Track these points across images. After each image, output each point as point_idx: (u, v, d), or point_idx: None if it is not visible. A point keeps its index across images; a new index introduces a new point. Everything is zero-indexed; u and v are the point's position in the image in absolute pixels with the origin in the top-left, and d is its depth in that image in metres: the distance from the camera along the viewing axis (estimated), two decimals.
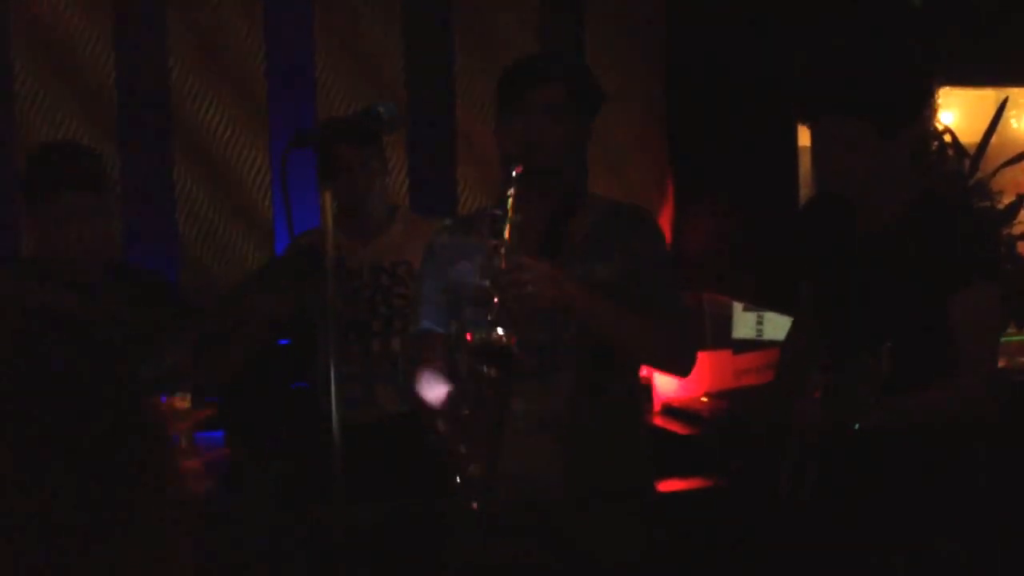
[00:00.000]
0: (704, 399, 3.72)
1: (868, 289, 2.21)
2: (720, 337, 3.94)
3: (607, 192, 4.08)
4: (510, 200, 2.08)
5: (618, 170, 4.11)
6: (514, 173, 2.10)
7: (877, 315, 2.19)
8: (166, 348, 2.61)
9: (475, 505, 2.04)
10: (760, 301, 3.97)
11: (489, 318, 2.03)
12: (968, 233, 2.18)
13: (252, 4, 3.74)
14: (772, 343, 3.87)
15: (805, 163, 3.74)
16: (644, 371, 3.90)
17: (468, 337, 2.02)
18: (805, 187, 3.92)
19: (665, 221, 4.17)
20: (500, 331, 2.01)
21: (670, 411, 3.71)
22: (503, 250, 2.06)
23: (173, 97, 3.68)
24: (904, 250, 2.18)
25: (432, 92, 3.93)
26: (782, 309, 3.89)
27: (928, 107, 2.24)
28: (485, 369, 2.00)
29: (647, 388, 3.81)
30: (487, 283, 2.06)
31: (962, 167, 3.80)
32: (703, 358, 3.83)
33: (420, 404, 2.20)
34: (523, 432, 2.15)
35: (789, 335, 2.56)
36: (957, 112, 4.20)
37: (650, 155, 4.17)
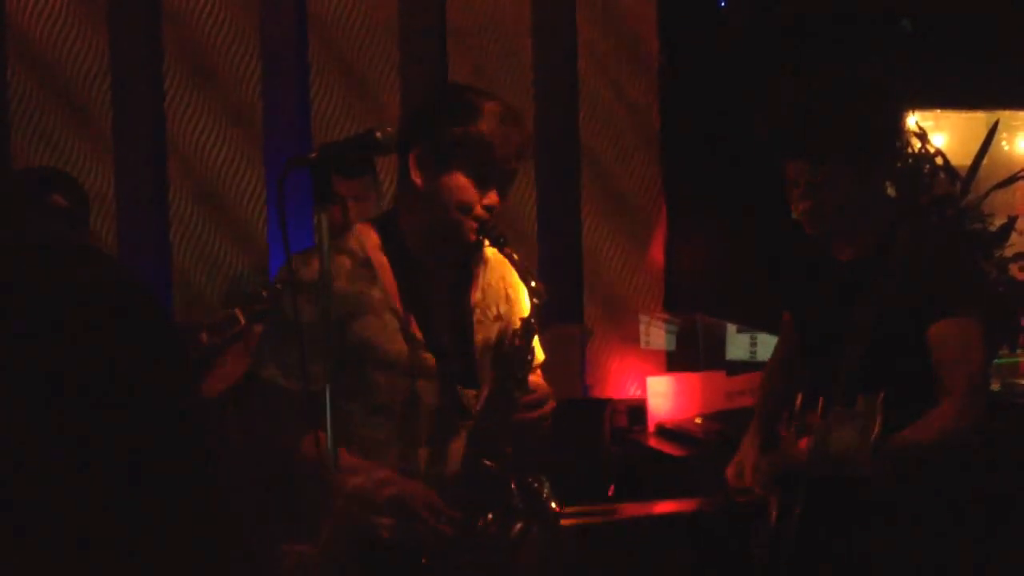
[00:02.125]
0: (698, 420, 3.72)
1: (849, 318, 2.21)
2: (713, 358, 3.95)
3: (601, 213, 4.13)
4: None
5: (612, 192, 4.12)
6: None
7: (860, 349, 2.17)
8: None
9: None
10: (753, 322, 3.98)
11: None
12: (948, 261, 2.18)
13: (247, 25, 3.75)
14: (766, 364, 3.88)
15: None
16: (639, 392, 3.93)
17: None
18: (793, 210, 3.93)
19: (658, 242, 4.18)
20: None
21: (663, 432, 3.72)
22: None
23: (168, 117, 3.69)
24: (882, 278, 2.17)
25: None
26: (775, 331, 3.90)
27: (902, 135, 2.25)
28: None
29: (640, 409, 3.81)
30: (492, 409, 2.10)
31: (953, 190, 3.82)
32: (696, 379, 3.84)
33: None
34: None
35: (773, 357, 2.58)
36: (948, 135, 4.23)
37: (643, 176, 4.19)
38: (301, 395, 1.97)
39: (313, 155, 2.00)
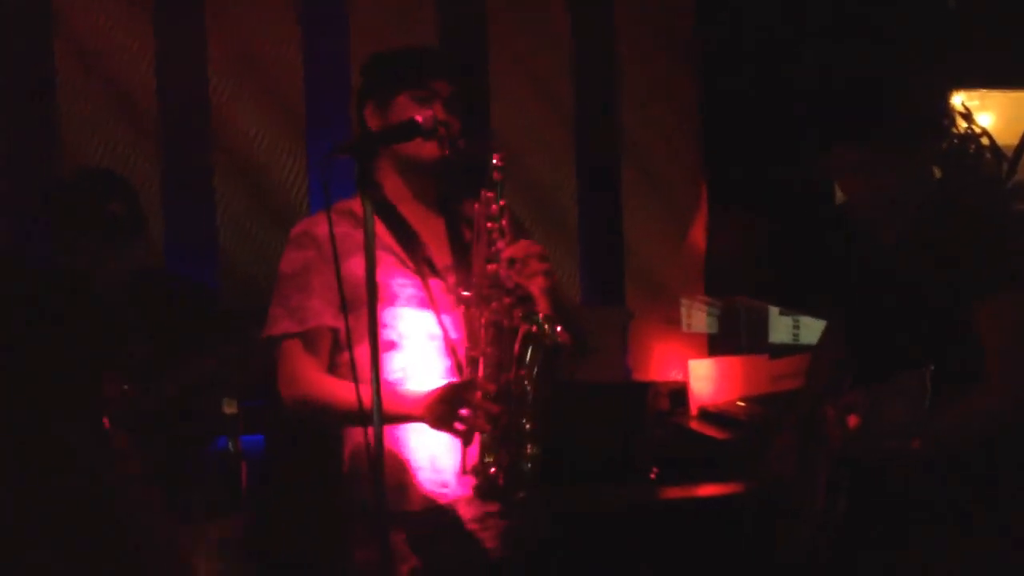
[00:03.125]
0: (740, 403, 3.72)
1: (893, 301, 2.19)
2: (756, 341, 3.94)
3: (641, 197, 4.13)
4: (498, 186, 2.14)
5: (652, 175, 4.12)
6: (494, 161, 2.15)
7: (903, 328, 2.16)
8: (195, 358, 2.67)
9: (521, 495, 2.06)
10: (796, 305, 3.96)
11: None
12: (992, 239, 2.15)
13: (290, 14, 3.78)
14: (809, 347, 3.85)
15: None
16: (680, 375, 3.93)
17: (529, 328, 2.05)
18: (840, 192, 3.90)
19: (699, 225, 4.17)
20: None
21: (706, 415, 3.71)
22: (499, 236, 2.12)
23: (213, 106, 3.73)
24: (926, 259, 2.16)
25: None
26: (818, 313, 3.88)
27: (946, 116, 2.23)
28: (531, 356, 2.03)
29: (682, 392, 3.81)
30: (490, 268, 2.11)
31: (1000, 170, 3.77)
32: (738, 362, 3.83)
33: (318, 406, 2.22)
34: None
35: (820, 341, 2.56)
36: (995, 115, 4.17)
37: (684, 160, 4.18)
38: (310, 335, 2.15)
39: (356, 141, 2.03)
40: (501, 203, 2.14)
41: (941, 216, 2.17)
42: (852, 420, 2.08)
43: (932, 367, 1.94)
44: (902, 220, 2.21)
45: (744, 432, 3.51)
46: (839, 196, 3.86)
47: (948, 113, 2.26)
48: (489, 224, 2.14)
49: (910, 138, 2.14)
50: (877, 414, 2.00)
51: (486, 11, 3.93)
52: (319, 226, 2.21)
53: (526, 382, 2.05)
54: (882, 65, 2.24)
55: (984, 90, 3.93)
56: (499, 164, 2.15)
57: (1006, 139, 3.85)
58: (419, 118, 2.07)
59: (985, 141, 3.79)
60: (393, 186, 2.28)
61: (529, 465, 2.06)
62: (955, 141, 3.63)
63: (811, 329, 3.91)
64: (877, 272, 2.25)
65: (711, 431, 3.59)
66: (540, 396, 2.06)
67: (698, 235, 4.16)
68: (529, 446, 2.06)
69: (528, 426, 2.05)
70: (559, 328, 2.06)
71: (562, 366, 2.12)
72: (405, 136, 2.11)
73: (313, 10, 3.81)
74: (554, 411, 2.12)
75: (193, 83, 3.73)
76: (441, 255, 2.27)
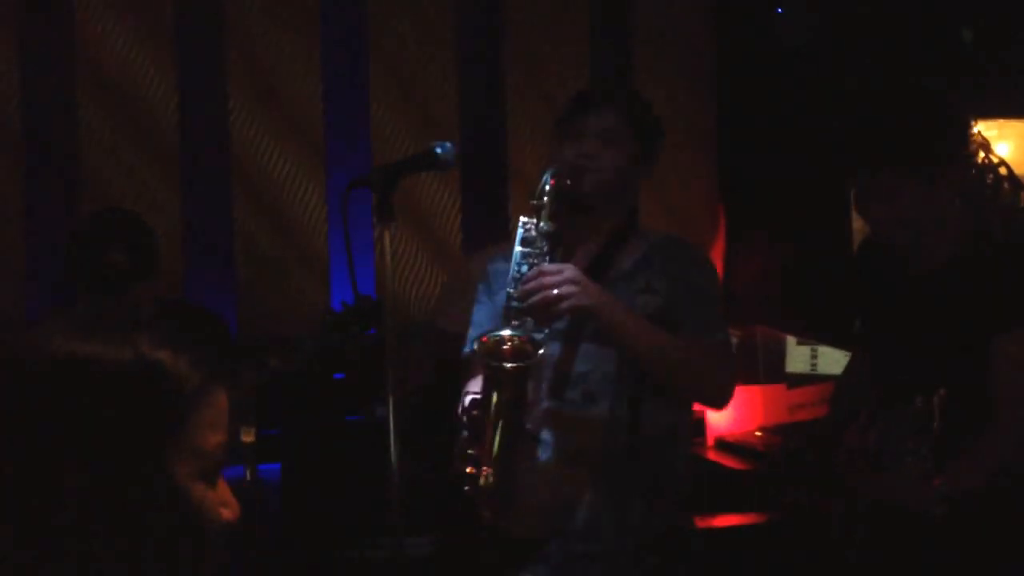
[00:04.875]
0: (758, 433, 3.70)
1: (918, 333, 2.18)
2: (773, 371, 3.92)
3: (657, 224, 4.12)
4: (543, 210, 2.11)
5: (669, 202, 4.12)
6: (547, 186, 2.13)
7: (927, 360, 2.15)
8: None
9: (487, 515, 2.04)
10: (814, 335, 3.95)
11: (513, 322, 2.05)
12: (1015, 273, 2.15)
13: (309, 47, 3.82)
14: (827, 377, 3.84)
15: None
16: (696, 406, 3.91)
17: (484, 339, 2.04)
18: (858, 219, 3.90)
19: (716, 254, 4.17)
20: (509, 332, 2.03)
21: (723, 445, 3.70)
22: (530, 257, 2.10)
23: (233, 137, 3.77)
24: (954, 291, 2.15)
25: (484, 131, 3.98)
26: (836, 343, 3.87)
27: (969, 145, 2.23)
28: (497, 369, 2.01)
29: (699, 422, 3.80)
30: (511, 289, 2.07)
31: (1018, 200, 3.76)
32: (756, 392, 3.81)
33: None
34: (555, 463, 2.15)
35: (846, 371, 2.55)
36: (1013, 144, 4.16)
37: (701, 187, 4.18)
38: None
39: (374, 174, 2.05)
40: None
41: (970, 249, 2.17)
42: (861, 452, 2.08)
43: (943, 393, 1.94)
44: (933, 251, 2.20)
45: (762, 463, 3.50)
46: (856, 224, 3.87)
47: (968, 143, 2.26)
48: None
49: (928, 168, 2.14)
50: (886, 440, 2.00)
51: (500, 36, 3.96)
52: None
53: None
54: (901, 94, 2.25)
55: (1001, 120, 3.93)
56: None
57: (1023, 169, 3.83)
58: (438, 151, 2.08)
59: (1003, 171, 3.77)
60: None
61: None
62: (972, 172, 3.62)
63: (829, 359, 3.89)
64: (904, 302, 2.24)
65: (729, 461, 3.57)
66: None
67: (715, 264, 4.15)
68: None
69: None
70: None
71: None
72: (421, 167, 2.13)
73: (332, 43, 3.85)
74: None
75: (214, 115, 3.77)
76: None
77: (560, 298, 2.04)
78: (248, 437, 3.19)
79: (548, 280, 2.05)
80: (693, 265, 2.26)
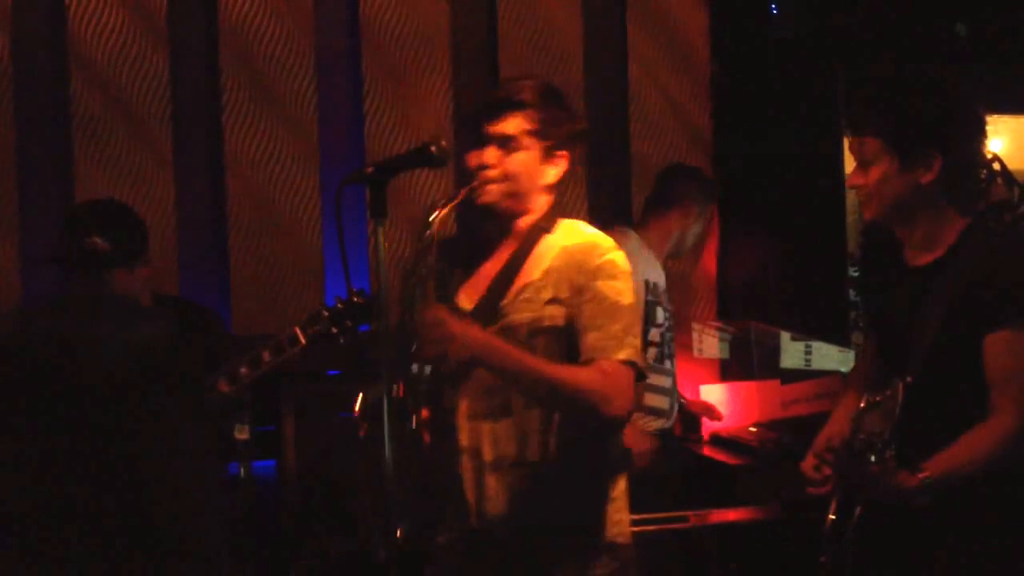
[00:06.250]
0: (752, 429, 3.71)
1: (910, 324, 2.20)
2: (767, 367, 3.93)
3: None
4: (429, 246, 2.12)
5: None
6: (433, 219, 2.12)
7: (916, 350, 2.16)
8: (208, 384, 2.66)
9: (381, 555, 2.04)
10: (807, 330, 3.96)
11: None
12: (1008, 270, 2.16)
13: (303, 41, 3.82)
14: (820, 372, 3.86)
15: (852, 192, 3.74)
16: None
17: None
18: (852, 215, 3.91)
19: (711, 250, 4.18)
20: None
21: (718, 441, 3.71)
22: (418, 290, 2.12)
23: (226, 131, 3.77)
24: (946, 284, 2.16)
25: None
26: (830, 339, 3.88)
27: (959, 142, 2.23)
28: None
29: (695, 419, 3.80)
30: (403, 319, 2.10)
31: (1011, 195, 3.78)
32: (751, 388, 3.82)
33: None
34: (475, 470, 2.19)
35: (855, 365, 2.57)
36: (1006, 140, 4.18)
37: None
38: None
39: (369, 170, 2.05)
40: None
41: (970, 245, 2.18)
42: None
43: (909, 380, 1.99)
44: (930, 244, 2.21)
45: (756, 458, 3.50)
46: (850, 219, 3.88)
47: (966, 139, 2.26)
48: None
49: (904, 145, 2.15)
50: (859, 426, 2.02)
51: (497, 35, 3.96)
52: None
53: None
54: (896, 74, 2.28)
55: (994, 115, 3.94)
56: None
57: (1017, 164, 3.85)
58: (432, 148, 2.08)
59: (996, 166, 3.79)
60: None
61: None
62: (964, 167, 3.63)
63: (823, 354, 3.91)
64: (904, 294, 2.25)
65: (723, 457, 3.58)
66: None
67: (710, 260, 4.16)
68: None
69: None
70: None
71: None
72: (415, 164, 2.13)
73: (325, 39, 3.85)
74: None
75: (207, 110, 3.77)
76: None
77: (441, 352, 2.09)
78: (242, 434, 3.19)
79: (428, 335, 2.09)
80: (600, 275, 2.19)
